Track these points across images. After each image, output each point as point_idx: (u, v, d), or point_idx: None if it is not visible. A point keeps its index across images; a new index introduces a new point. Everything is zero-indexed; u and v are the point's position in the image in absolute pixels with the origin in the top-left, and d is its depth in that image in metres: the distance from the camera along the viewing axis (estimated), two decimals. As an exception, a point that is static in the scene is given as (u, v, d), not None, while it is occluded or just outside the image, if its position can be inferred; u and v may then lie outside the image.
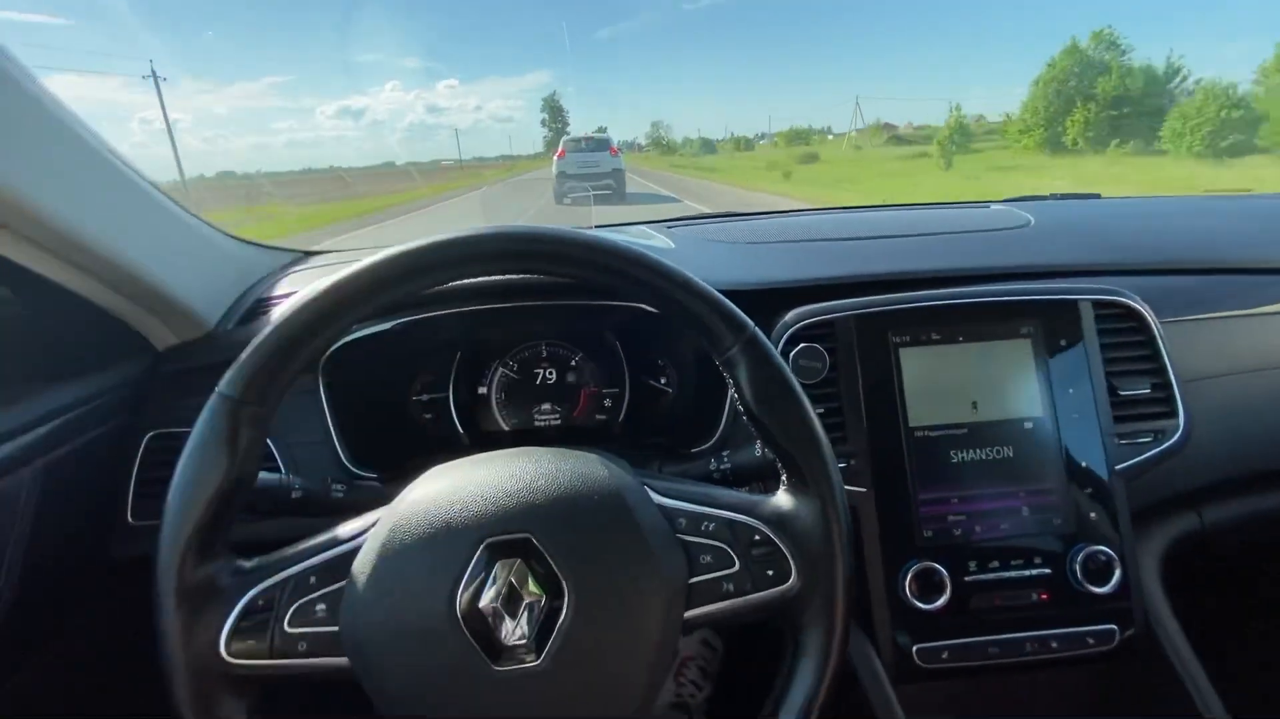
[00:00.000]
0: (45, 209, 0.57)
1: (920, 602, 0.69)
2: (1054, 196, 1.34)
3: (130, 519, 0.73)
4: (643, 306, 0.77)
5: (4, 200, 0.54)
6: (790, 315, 0.76)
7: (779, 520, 0.48)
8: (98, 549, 0.72)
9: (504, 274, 0.49)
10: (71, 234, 0.60)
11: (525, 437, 0.90)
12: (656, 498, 0.48)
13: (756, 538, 0.47)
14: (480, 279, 0.75)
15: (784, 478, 0.50)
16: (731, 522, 0.47)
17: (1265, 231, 0.99)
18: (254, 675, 0.44)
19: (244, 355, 0.46)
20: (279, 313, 0.47)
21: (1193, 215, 1.10)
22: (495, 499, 0.45)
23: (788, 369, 0.48)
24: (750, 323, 0.48)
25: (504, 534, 0.44)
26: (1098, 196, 1.33)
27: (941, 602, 0.69)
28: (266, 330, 0.46)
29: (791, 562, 0.47)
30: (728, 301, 0.48)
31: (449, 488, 0.46)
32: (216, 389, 0.46)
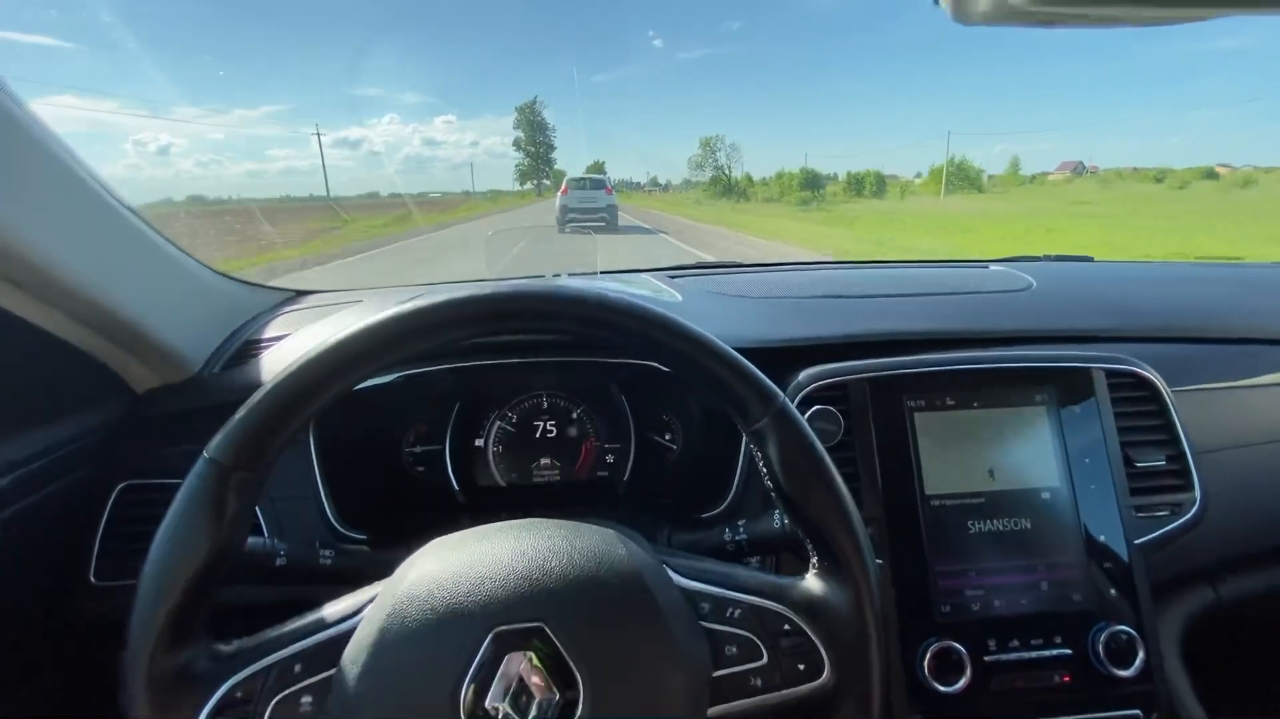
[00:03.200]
0: (18, 241, 0.53)
1: (940, 683, 0.66)
2: (1047, 258, 1.36)
3: (93, 579, 0.67)
4: (651, 363, 0.75)
5: None
6: (804, 376, 0.74)
7: (810, 608, 0.44)
8: (55, 611, 0.66)
9: (521, 333, 0.47)
10: (45, 267, 0.56)
11: (523, 492, 0.86)
12: (677, 579, 0.45)
13: (786, 627, 0.44)
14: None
15: (813, 560, 0.47)
16: (759, 608, 0.44)
17: (1264, 302, 1.00)
18: None
19: (236, 417, 0.42)
20: (275, 373, 0.43)
21: (1189, 283, 1.12)
22: (505, 582, 0.41)
23: (819, 444, 0.46)
24: (780, 393, 0.46)
25: (515, 623, 0.40)
26: (1090, 259, 1.35)
27: (962, 683, 0.66)
28: (262, 391, 0.42)
29: (824, 654, 0.43)
30: (756, 370, 0.46)
31: (454, 567, 0.42)
32: (204, 453, 0.42)
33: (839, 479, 0.46)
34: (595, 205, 13.92)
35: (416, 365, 0.76)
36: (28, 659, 0.66)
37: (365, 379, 0.45)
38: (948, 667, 0.66)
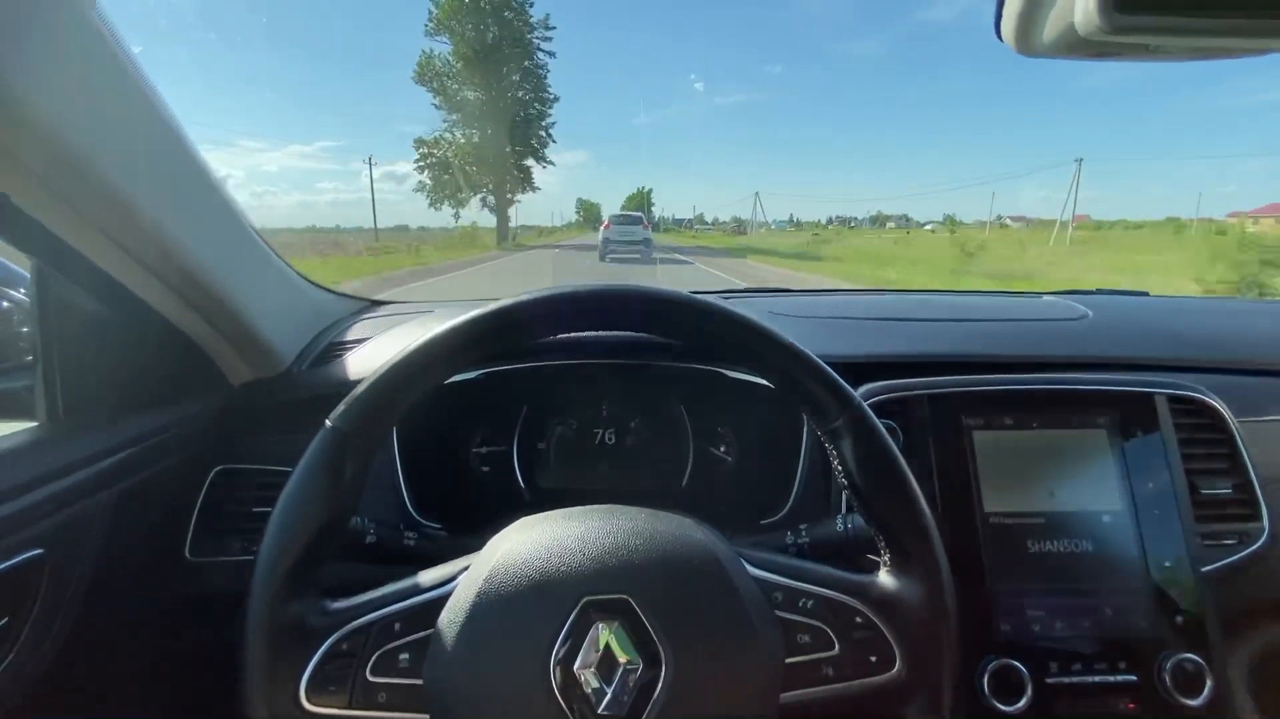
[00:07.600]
0: (175, 242, 0.60)
1: (1000, 703, 0.65)
2: (1100, 292, 1.35)
3: (188, 555, 0.72)
4: (715, 369, 0.78)
5: (143, 230, 0.57)
6: (863, 390, 0.75)
7: (882, 602, 0.46)
8: (156, 584, 0.71)
9: (618, 329, 0.50)
10: (187, 264, 0.63)
11: (581, 497, 0.89)
12: (751, 569, 0.46)
13: (858, 619, 0.45)
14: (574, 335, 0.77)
15: (886, 557, 0.48)
16: (831, 601, 0.46)
17: None
18: None
19: (357, 391, 0.46)
20: (394, 351, 0.47)
21: (1251, 316, 1.10)
22: (594, 556, 0.43)
23: (893, 445, 0.48)
24: (856, 397, 0.48)
25: (603, 593, 0.42)
26: (1146, 294, 1.34)
27: (1022, 704, 0.65)
28: (383, 367, 0.47)
29: (896, 648, 0.45)
30: (835, 374, 0.49)
31: (544, 541, 0.45)
32: (327, 421, 0.46)
33: (911, 478, 0.47)
34: (633, 239, 16.17)
35: (498, 364, 0.80)
36: (127, 628, 0.70)
37: (470, 364, 0.49)
38: (1008, 687, 0.66)
